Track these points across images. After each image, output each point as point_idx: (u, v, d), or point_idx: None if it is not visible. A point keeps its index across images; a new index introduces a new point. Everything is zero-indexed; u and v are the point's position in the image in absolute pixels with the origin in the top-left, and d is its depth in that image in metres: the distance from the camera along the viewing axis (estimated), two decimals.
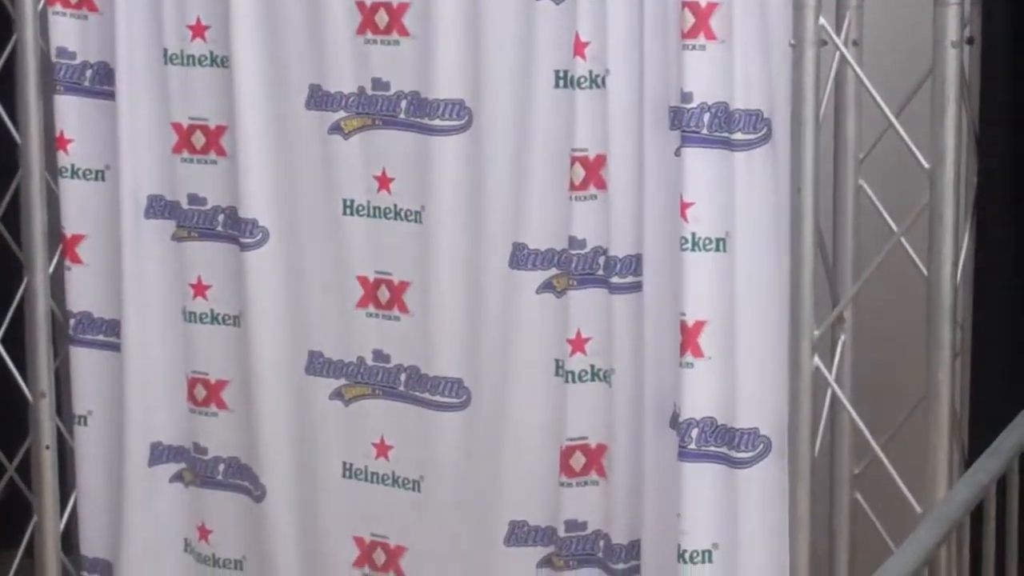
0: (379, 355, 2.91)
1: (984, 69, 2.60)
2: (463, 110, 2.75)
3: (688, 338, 2.53)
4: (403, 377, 2.89)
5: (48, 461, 3.04)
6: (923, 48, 2.53)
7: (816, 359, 2.47)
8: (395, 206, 2.85)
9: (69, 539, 3.16)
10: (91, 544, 3.14)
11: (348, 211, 2.89)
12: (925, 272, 2.42)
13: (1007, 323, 2.64)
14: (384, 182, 2.86)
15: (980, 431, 2.60)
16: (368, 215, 2.87)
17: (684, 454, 2.55)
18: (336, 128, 2.87)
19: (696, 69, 2.50)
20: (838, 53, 2.51)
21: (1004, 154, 2.60)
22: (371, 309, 2.90)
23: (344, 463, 2.96)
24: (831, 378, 2.53)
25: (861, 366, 2.68)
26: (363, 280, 2.90)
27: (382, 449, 2.93)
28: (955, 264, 2.37)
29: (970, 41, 2.53)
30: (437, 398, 2.85)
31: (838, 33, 2.49)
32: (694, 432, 2.54)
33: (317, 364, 2.96)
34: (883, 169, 2.67)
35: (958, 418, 2.57)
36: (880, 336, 2.84)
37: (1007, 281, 2.64)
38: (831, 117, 2.58)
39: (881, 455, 2.49)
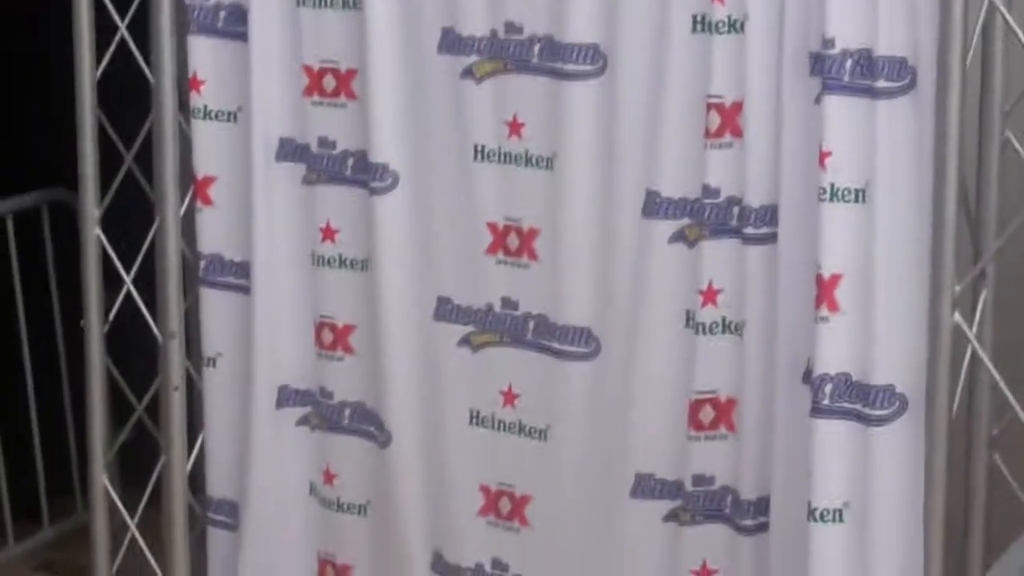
0: (507, 302, 2.88)
1: None
2: (597, 55, 2.70)
3: (824, 291, 2.47)
4: (531, 325, 2.85)
5: (177, 402, 3.05)
6: None
7: (957, 315, 2.39)
8: (526, 152, 2.81)
9: (195, 480, 3.17)
10: (217, 485, 3.15)
11: (478, 157, 2.85)
12: None
13: None
14: (515, 127, 2.82)
15: None
16: (499, 161, 2.84)
17: (817, 410, 2.49)
18: (468, 73, 2.83)
19: (839, 13, 2.43)
20: (986, 0, 2.43)
21: None
22: (500, 256, 2.87)
23: (471, 411, 2.94)
24: (972, 335, 2.45)
25: (1002, 324, 2.60)
26: (492, 226, 2.87)
27: (509, 397, 2.90)
28: None
29: None
30: (566, 347, 2.81)
31: None
32: (828, 388, 2.48)
33: (445, 310, 2.94)
34: None
35: None
36: (1022, 292, 2.75)
37: None
38: (977, 67, 2.50)
39: (1022, 415, 2.42)
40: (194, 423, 3.16)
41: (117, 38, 3.08)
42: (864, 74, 2.43)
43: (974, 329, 2.48)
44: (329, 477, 3.08)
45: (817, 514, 2.50)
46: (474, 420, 2.94)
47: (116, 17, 3.07)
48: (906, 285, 2.46)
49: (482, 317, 2.90)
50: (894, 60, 2.42)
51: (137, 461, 3.35)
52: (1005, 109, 2.53)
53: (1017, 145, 2.54)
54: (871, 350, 2.47)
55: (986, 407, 2.57)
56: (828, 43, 2.43)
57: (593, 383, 2.80)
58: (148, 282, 3.13)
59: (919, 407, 2.46)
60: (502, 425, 2.91)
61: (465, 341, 2.93)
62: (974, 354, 2.49)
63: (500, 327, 2.89)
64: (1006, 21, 2.42)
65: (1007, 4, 2.45)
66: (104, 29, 3.08)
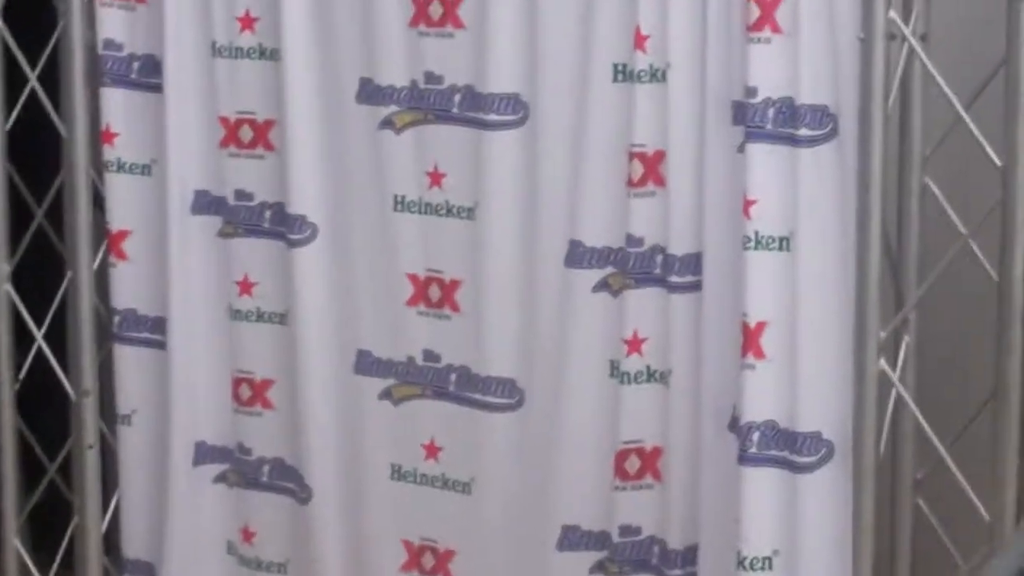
0: (429, 355, 2.85)
1: None
2: (519, 105, 2.69)
3: (750, 339, 2.47)
4: (454, 377, 2.83)
5: (92, 461, 2.98)
6: (987, 44, 2.48)
7: (882, 362, 2.40)
8: (447, 202, 2.80)
9: (109, 541, 3.11)
10: (133, 545, 3.08)
11: (399, 207, 2.83)
12: (994, 275, 2.37)
13: None
14: (436, 178, 2.80)
15: None
16: (419, 212, 2.82)
17: (745, 458, 2.49)
18: (387, 123, 2.81)
19: (761, 63, 2.44)
20: (905, 48, 2.46)
21: None
22: (421, 307, 2.85)
23: (393, 465, 2.91)
24: (896, 381, 2.46)
25: (923, 369, 2.62)
26: (413, 278, 2.85)
27: (432, 451, 2.87)
28: None
29: None
30: (489, 399, 2.79)
31: (905, 27, 2.43)
32: (755, 435, 2.48)
33: (366, 363, 2.91)
34: (947, 168, 2.61)
35: None
36: (944, 337, 2.77)
37: None
38: (895, 114, 2.52)
39: (947, 457, 2.43)
40: (106, 483, 3.10)
41: (27, 90, 3.03)
42: (786, 122, 2.44)
43: (897, 374, 2.49)
44: (248, 535, 3.04)
45: (747, 562, 2.49)
46: (396, 474, 2.91)
47: (27, 69, 3.02)
48: (831, 332, 2.46)
49: (403, 370, 2.88)
50: (816, 108, 2.43)
51: (48, 522, 3.28)
52: (924, 155, 2.55)
53: (936, 191, 2.56)
54: (797, 397, 2.47)
55: (910, 452, 2.58)
56: (751, 92, 2.44)
57: (517, 435, 2.78)
58: (55, 339, 3.08)
59: (845, 453, 2.47)
60: (425, 479, 2.89)
61: (386, 394, 2.90)
62: (898, 399, 2.50)
63: (422, 380, 2.86)
64: (925, 67, 2.45)
65: (925, 50, 2.48)
66: (13, 82, 3.03)
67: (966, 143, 2.43)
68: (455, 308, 2.81)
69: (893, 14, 2.36)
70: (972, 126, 2.36)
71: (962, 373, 2.85)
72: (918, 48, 2.43)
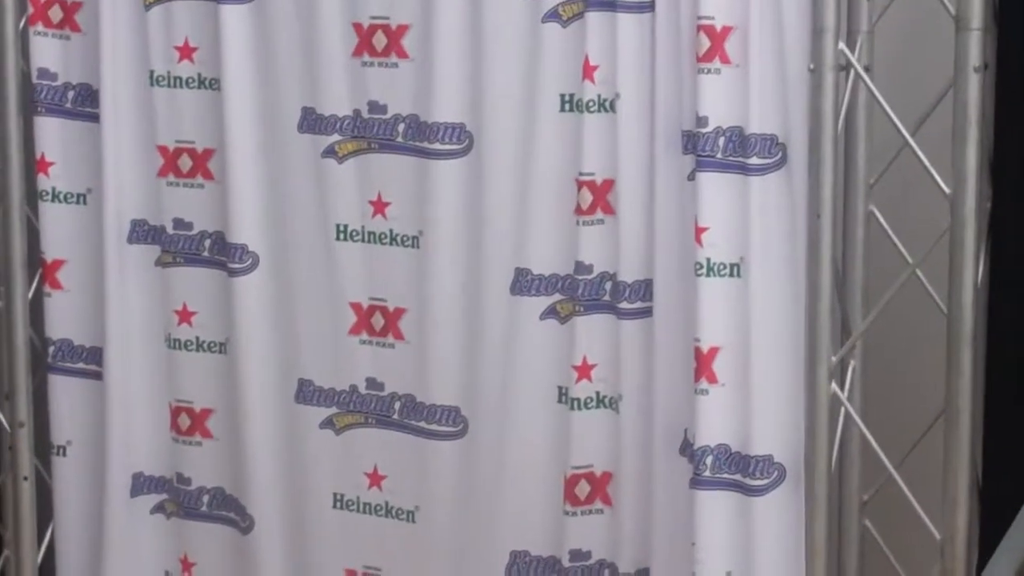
0: (372, 383, 2.85)
1: (998, 94, 2.60)
2: (464, 134, 2.71)
3: (702, 364, 2.50)
4: (397, 406, 2.84)
5: (27, 493, 2.95)
6: (929, 75, 2.55)
7: (834, 385, 2.45)
8: (391, 231, 2.80)
9: (42, 574, 3.07)
10: None
11: (341, 236, 2.83)
12: (941, 305, 2.43)
13: (1021, 345, 2.64)
14: (380, 207, 2.81)
15: (993, 454, 2.59)
16: (363, 240, 2.82)
17: (698, 482, 2.52)
18: (330, 152, 2.82)
19: (711, 93, 2.48)
20: (851, 79, 2.51)
21: (1019, 179, 2.60)
22: (364, 336, 2.85)
23: (335, 494, 2.90)
24: (846, 403, 2.51)
25: (869, 392, 2.68)
26: (356, 307, 2.85)
27: (375, 479, 2.87)
28: (975, 290, 2.36)
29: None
30: (433, 427, 2.80)
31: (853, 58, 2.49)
32: (708, 459, 2.52)
33: (307, 392, 2.90)
34: (891, 196, 2.67)
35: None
36: (888, 359, 2.84)
37: (1021, 302, 2.64)
38: (841, 143, 2.57)
39: (896, 477, 2.48)
40: (37, 515, 3.05)
41: None
42: (736, 151, 2.48)
43: (844, 395, 2.54)
44: (187, 565, 3.02)
45: None
46: (338, 503, 2.91)
47: None
48: (782, 356, 2.51)
49: (346, 398, 2.87)
50: (765, 137, 2.48)
51: None
52: (869, 183, 2.61)
53: (881, 218, 2.62)
54: (749, 421, 2.51)
55: (857, 474, 2.63)
56: (701, 121, 2.48)
57: (463, 462, 2.79)
58: None
59: (796, 476, 2.51)
60: (368, 507, 2.88)
61: (328, 423, 2.90)
62: (847, 423, 2.55)
63: (365, 408, 2.86)
64: (869, 97, 2.50)
65: (869, 77, 2.54)
66: None
67: (909, 171, 2.50)
68: (399, 336, 2.82)
69: (842, 45, 2.41)
70: (919, 153, 2.41)
71: (906, 395, 2.91)
72: (865, 78, 2.49)
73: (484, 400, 2.77)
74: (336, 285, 2.85)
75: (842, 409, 2.53)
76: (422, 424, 2.81)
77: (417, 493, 2.84)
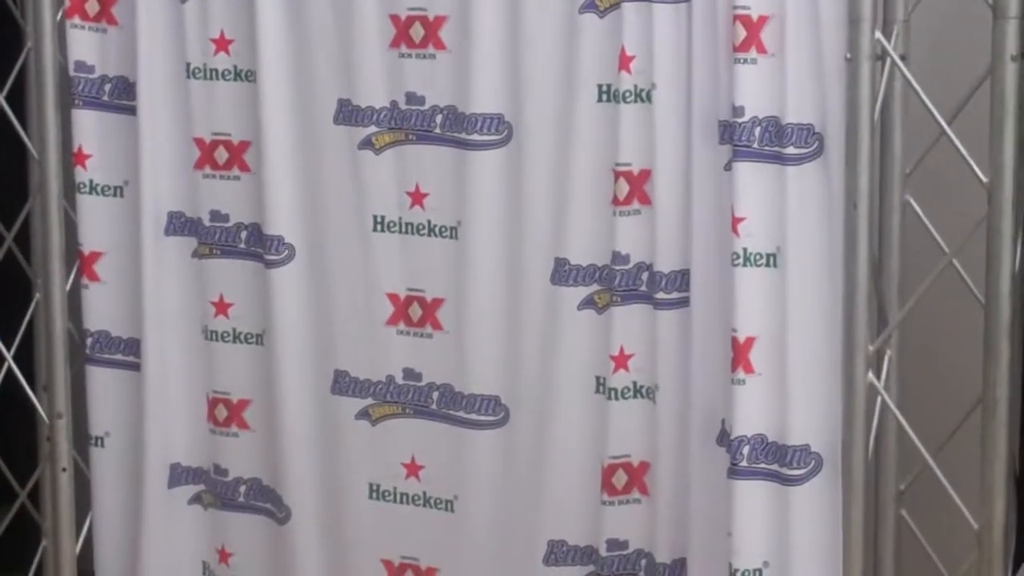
0: (410, 373, 2.86)
1: None
2: (502, 124, 2.72)
3: (739, 354, 2.51)
4: (435, 395, 2.84)
5: (65, 484, 2.96)
6: (966, 64, 2.55)
7: (871, 375, 2.45)
8: (429, 222, 2.81)
9: (80, 564, 3.08)
10: (106, 569, 3.07)
11: (379, 227, 2.84)
12: (978, 295, 2.43)
13: None
14: (417, 198, 2.82)
15: None
16: (400, 231, 2.83)
17: (735, 471, 2.53)
18: (367, 143, 2.83)
19: (747, 83, 2.48)
20: (888, 67, 2.51)
21: None
22: (402, 327, 2.86)
23: (371, 484, 2.91)
24: (883, 392, 2.51)
25: (906, 381, 2.68)
26: (393, 297, 2.86)
27: (412, 469, 2.88)
28: (1013, 280, 2.36)
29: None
30: (472, 416, 2.81)
31: (889, 46, 2.48)
32: (745, 449, 2.52)
33: (343, 383, 2.91)
34: (928, 185, 2.67)
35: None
36: (925, 348, 2.83)
37: None
38: (877, 132, 2.57)
39: (933, 466, 2.48)
40: (76, 506, 3.07)
41: None
42: (773, 141, 2.48)
43: (881, 384, 2.54)
44: (224, 556, 3.03)
45: (738, 574, 2.53)
46: (374, 493, 2.92)
47: None
48: (819, 346, 2.51)
49: (382, 389, 2.88)
50: (802, 127, 2.48)
51: (14, 545, 3.25)
52: (906, 172, 2.61)
53: (917, 208, 2.62)
54: (786, 411, 2.52)
55: (893, 463, 2.64)
56: (738, 111, 2.48)
57: (502, 451, 2.80)
58: (22, 362, 3.06)
59: (833, 465, 2.51)
60: (405, 497, 2.89)
61: (364, 414, 2.91)
62: (883, 412, 2.55)
63: (402, 398, 2.87)
64: (905, 86, 2.51)
65: (905, 66, 2.54)
66: None
67: (946, 160, 2.49)
68: (437, 326, 2.83)
69: (879, 35, 2.41)
70: (956, 142, 2.41)
71: (943, 385, 2.91)
72: (902, 67, 2.49)
73: (524, 390, 2.78)
74: (373, 276, 2.86)
75: (878, 399, 2.53)
76: (461, 414, 2.82)
77: (455, 483, 2.85)
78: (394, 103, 2.80)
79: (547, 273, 2.72)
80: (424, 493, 2.87)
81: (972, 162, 2.39)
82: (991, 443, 2.38)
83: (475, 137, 2.73)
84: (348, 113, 2.83)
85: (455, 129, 2.75)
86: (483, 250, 2.75)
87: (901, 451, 2.63)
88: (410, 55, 2.77)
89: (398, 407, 2.88)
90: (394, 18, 2.77)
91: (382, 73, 2.79)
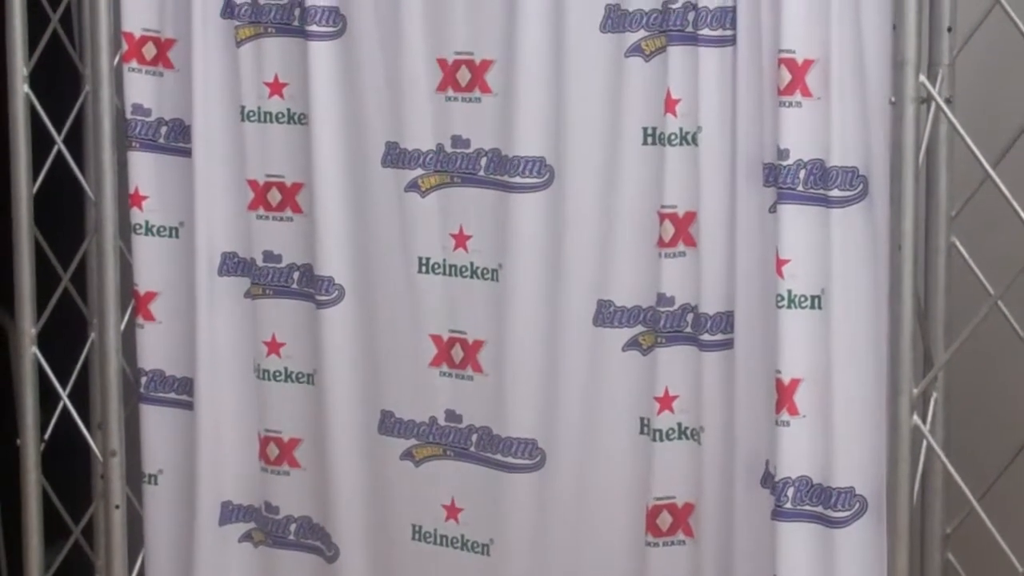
0: (451, 415, 2.88)
1: None
2: (544, 167, 2.74)
3: (784, 396, 2.51)
4: (475, 438, 2.86)
5: (118, 521, 3.00)
6: (1010, 107, 2.56)
7: (916, 417, 2.45)
8: (471, 264, 2.84)
9: None
10: None
11: (423, 269, 2.87)
12: (1023, 336, 2.43)
13: None
14: (461, 240, 2.84)
15: None
16: (443, 273, 2.86)
17: (780, 513, 2.53)
18: (413, 186, 2.86)
19: (792, 126, 2.49)
20: (932, 111, 2.52)
21: None
22: (444, 368, 2.88)
23: (414, 525, 2.93)
24: (928, 435, 2.51)
25: (951, 424, 2.68)
26: (437, 339, 2.88)
27: (452, 511, 2.90)
28: None
29: None
30: (509, 459, 2.82)
31: (934, 90, 2.49)
32: (790, 491, 2.52)
33: (389, 423, 2.94)
34: (973, 228, 2.67)
35: None
36: (970, 390, 2.83)
37: None
38: (922, 175, 2.58)
39: (979, 509, 2.47)
40: (129, 544, 3.11)
41: (54, 152, 3.06)
42: (818, 184, 2.49)
43: (927, 427, 2.54)
44: None
45: None
46: (417, 535, 2.93)
47: (54, 132, 3.05)
48: (863, 388, 2.51)
49: (425, 430, 2.90)
50: (847, 170, 2.49)
51: None
52: (951, 215, 2.61)
53: (963, 250, 2.62)
54: (831, 453, 2.51)
55: (939, 507, 2.63)
56: (783, 154, 2.50)
57: (538, 495, 2.80)
58: (76, 400, 3.10)
59: (878, 508, 2.51)
60: (444, 540, 2.91)
61: (408, 454, 2.92)
62: (929, 455, 2.55)
63: (443, 440, 2.89)
64: (950, 129, 2.51)
65: (950, 109, 2.54)
66: (38, 144, 3.06)
67: (991, 203, 2.50)
68: (478, 368, 2.85)
69: (923, 78, 2.42)
70: (1001, 185, 2.42)
71: (989, 427, 2.90)
72: (947, 111, 2.50)
73: (563, 432, 2.79)
74: (417, 317, 2.88)
75: (924, 441, 2.53)
76: (498, 456, 2.83)
77: (492, 526, 2.86)
78: (440, 146, 2.83)
79: (589, 315, 2.74)
80: (462, 536, 2.89)
81: (1016, 205, 2.40)
82: None
83: (517, 180, 2.75)
84: (395, 156, 2.86)
85: (498, 172, 2.77)
86: (523, 292, 2.76)
87: (948, 494, 2.62)
88: (456, 98, 2.80)
89: (440, 448, 2.90)
90: (441, 62, 2.80)
91: (429, 116, 2.82)
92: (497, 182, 2.79)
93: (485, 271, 2.83)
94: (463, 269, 2.85)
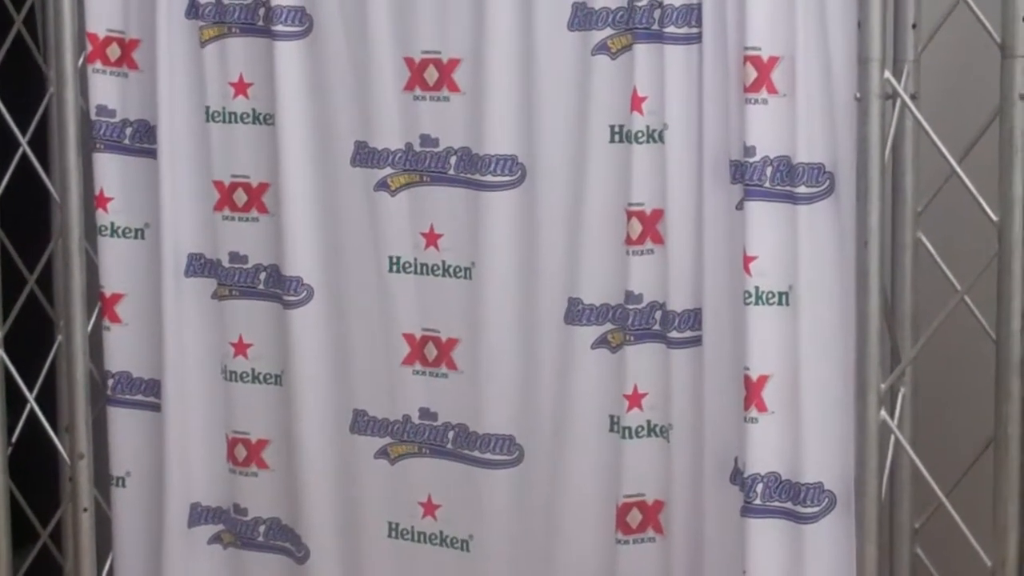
0: (426, 413, 2.88)
1: None
2: (516, 165, 2.74)
3: (752, 392, 2.52)
4: (451, 435, 2.86)
5: (87, 524, 2.99)
6: (975, 103, 2.56)
7: (883, 413, 2.46)
8: (443, 263, 2.84)
9: None
10: None
11: (394, 268, 2.87)
12: (990, 332, 2.44)
13: None
14: (432, 238, 2.84)
15: None
16: (415, 272, 2.86)
17: (749, 509, 2.54)
18: (382, 185, 2.85)
19: (758, 123, 2.50)
20: (898, 107, 2.53)
21: None
22: (417, 367, 2.88)
23: (390, 523, 2.93)
24: (896, 430, 2.52)
25: (919, 419, 2.69)
26: (409, 337, 2.88)
27: (429, 508, 2.90)
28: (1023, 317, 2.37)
29: None
30: (487, 455, 2.82)
31: (899, 86, 2.50)
32: (759, 487, 2.53)
33: (361, 423, 2.93)
34: (939, 223, 2.68)
35: None
36: (937, 385, 2.84)
37: None
38: (888, 171, 2.59)
39: (947, 504, 2.48)
40: (97, 546, 3.10)
41: (18, 155, 3.05)
42: (784, 180, 2.50)
43: (894, 423, 2.55)
44: None
45: None
46: (393, 532, 2.93)
47: (19, 134, 3.04)
48: (831, 384, 2.51)
49: (400, 428, 2.90)
50: (813, 166, 2.49)
51: None
52: (917, 210, 2.62)
53: (929, 246, 2.63)
54: (799, 449, 2.52)
55: (908, 501, 2.64)
56: (749, 151, 2.50)
57: (517, 491, 2.81)
58: (42, 403, 3.09)
59: (847, 503, 2.52)
60: (422, 536, 2.91)
61: (383, 453, 2.92)
62: (897, 450, 2.56)
63: (418, 438, 2.89)
64: (915, 125, 2.52)
65: (916, 105, 2.55)
66: (3, 146, 3.05)
67: (957, 199, 2.51)
68: (452, 366, 2.85)
69: (888, 74, 2.43)
70: (966, 181, 2.43)
71: (956, 422, 2.91)
72: (912, 107, 2.51)
73: (538, 429, 2.79)
74: (389, 316, 2.88)
75: (892, 437, 2.54)
76: (475, 453, 2.83)
77: (471, 522, 2.86)
78: (409, 145, 2.82)
79: (560, 313, 2.74)
80: (441, 532, 2.89)
81: (982, 200, 2.40)
82: (1003, 481, 2.38)
83: (488, 178, 2.75)
84: (364, 155, 2.86)
85: (469, 170, 2.77)
86: (497, 290, 2.77)
87: (916, 488, 2.63)
88: (424, 97, 2.80)
89: (415, 446, 2.89)
90: (408, 60, 2.80)
91: (396, 115, 2.82)
92: (468, 180, 2.78)
93: (458, 269, 2.83)
94: (435, 268, 2.85)
